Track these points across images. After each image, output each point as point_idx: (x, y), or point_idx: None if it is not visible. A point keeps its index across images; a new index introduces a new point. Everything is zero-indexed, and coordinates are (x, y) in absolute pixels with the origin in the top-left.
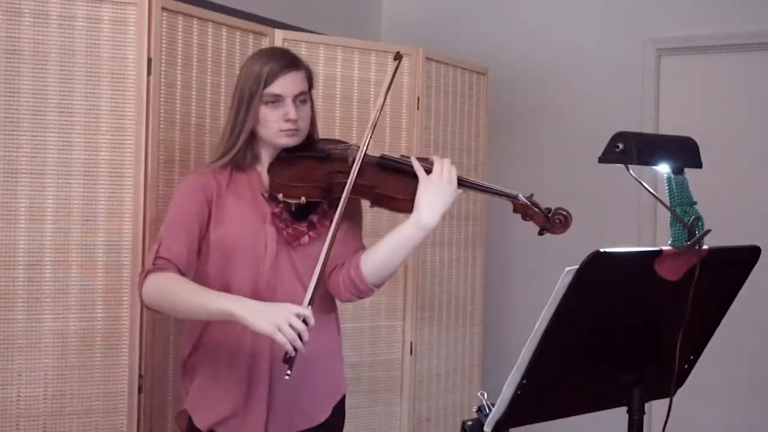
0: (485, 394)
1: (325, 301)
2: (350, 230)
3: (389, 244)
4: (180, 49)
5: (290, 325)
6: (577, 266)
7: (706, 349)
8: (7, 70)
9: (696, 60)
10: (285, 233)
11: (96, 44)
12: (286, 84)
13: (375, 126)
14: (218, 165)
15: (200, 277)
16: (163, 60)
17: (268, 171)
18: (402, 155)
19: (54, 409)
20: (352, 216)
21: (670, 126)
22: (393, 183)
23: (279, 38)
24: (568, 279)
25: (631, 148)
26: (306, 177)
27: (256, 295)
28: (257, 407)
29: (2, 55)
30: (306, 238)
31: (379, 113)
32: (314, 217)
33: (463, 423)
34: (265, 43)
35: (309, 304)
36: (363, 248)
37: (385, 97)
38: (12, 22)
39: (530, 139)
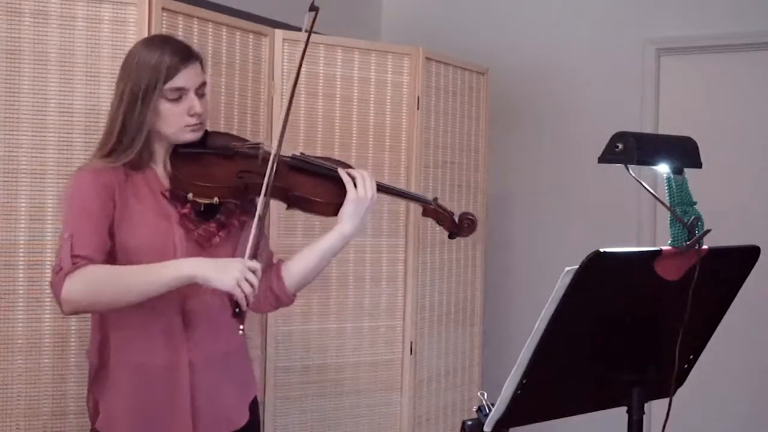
0: (485, 394)
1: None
2: (263, 235)
3: (314, 255)
4: None
5: (246, 280)
6: (577, 266)
7: (705, 349)
8: (7, 70)
9: (696, 60)
10: (195, 234)
11: (96, 44)
12: (188, 76)
13: (286, 121)
14: (112, 165)
15: None
16: None
17: (172, 168)
18: (320, 156)
19: (54, 409)
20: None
21: (670, 126)
22: (309, 185)
23: (279, 38)
24: (567, 279)
25: (631, 148)
26: (217, 176)
27: (168, 301)
28: (182, 418)
29: (2, 55)
30: (217, 239)
31: (290, 103)
32: (221, 217)
33: (463, 423)
34: (266, 43)
35: (252, 257)
36: (277, 260)
37: (299, 72)
38: (12, 22)
39: (530, 139)
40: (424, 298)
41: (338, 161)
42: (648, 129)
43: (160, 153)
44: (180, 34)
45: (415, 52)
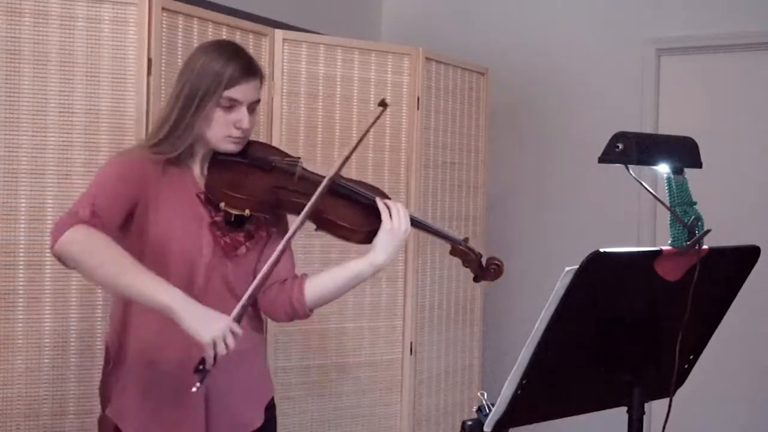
0: (485, 394)
1: (251, 312)
2: (288, 252)
3: (341, 278)
4: (180, 49)
5: (223, 341)
6: (577, 266)
7: (705, 349)
8: (7, 70)
9: (696, 60)
10: (222, 242)
11: (96, 44)
12: (246, 91)
13: (351, 154)
14: (156, 156)
15: None
16: (163, 60)
17: (209, 174)
18: (353, 180)
19: (54, 409)
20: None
21: (670, 126)
22: (342, 209)
23: (279, 38)
24: (567, 279)
25: (631, 148)
26: (251, 188)
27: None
28: (195, 416)
29: (2, 55)
30: (243, 249)
31: (354, 148)
32: (251, 227)
33: (463, 423)
34: (266, 43)
35: (236, 320)
36: (301, 274)
37: (364, 136)
38: (12, 22)
39: (530, 139)
40: (424, 298)
41: (375, 188)
42: (648, 129)
43: (200, 155)
44: (180, 34)
45: (415, 52)
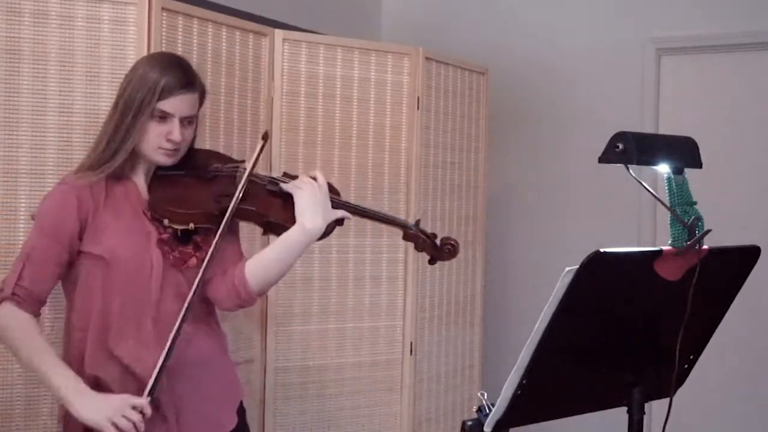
0: (485, 394)
1: (201, 305)
2: (231, 244)
3: (276, 250)
4: (180, 49)
5: (124, 417)
6: (577, 266)
7: (706, 349)
8: (7, 70)
9: (696, 60)
10: (171, 257)
11: (96, 44)
12: (179, 104)
13: (261, 151)
14: (95, 176)
15: (80, 294)
16: None
17: (150, 191)
18: (285, 173)
19: (54, 409)
20: (234, 230)
21: (670, 126)
22: (280, 209)
23: (279, 38)
24: (568, 279)
25: (631, 148)
26: (193, 202)
27: (140, 315)
28: (167, 427)
29: (2, 55)
30: (193, 260)
31: (259, 152)
32: (198, 238)
33: (463, 423)
34: (265, 43)
35: (149, 393)
36: (243, 258)
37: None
38: (12, 22)
39: (530, 139)
40: (424, 298)
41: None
42: (648, 129)
43: (141, 168)
44: (179, 34)
45: (415, 52)
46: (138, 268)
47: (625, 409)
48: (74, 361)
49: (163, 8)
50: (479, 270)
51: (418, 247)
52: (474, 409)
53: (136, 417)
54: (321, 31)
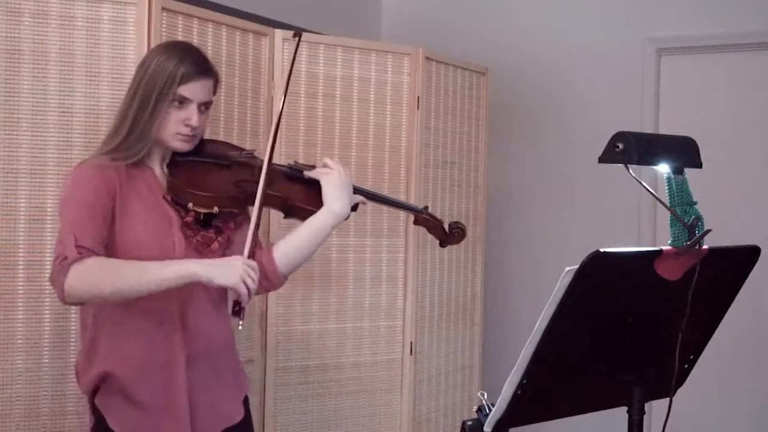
0: (485, 394)
1: (220, 297)
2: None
3: (305, 234)
4: None
5: (249, 276)
6: (577, 266)
7: (706, 349)
8: (7, 70)
9: (696, 60)
10: (194, 241)
11: (96, 44)
12: (197, 90)
13: (277, 131)
14: (115, 163)
15: None
16: None
17: (171, 176)
18: (295, 162)
19: (54, 409)
20: (249, 216)
21: (670, 126)
22: (303, 193)
23: (279, 38)
24: (568, 279)
25: (631, 148)
26: (216, 186)
27: (166, 299)
28: (181, 415)
29: (2, 55)
30: (215, 245)
31: (280, 116)
32: (218, 223)
33: (464, 423)
34: (265, 43)
35: (249, 256)
36: (262, 243)
37: (287, 86)
38: (12, 22)
39: (530, 139)
40: (424, 298)
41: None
42: (648, 129)
43: (158, 154)
44: (179, 34)
45: (415, 52)
46: (161, 252)
47: (625, 409)
48: (88, 354)
49: (163, 8)
50: (479, 270)
51: (430, 231)
52: (474, 409)
53: (255, 275)
54: (321, 31)
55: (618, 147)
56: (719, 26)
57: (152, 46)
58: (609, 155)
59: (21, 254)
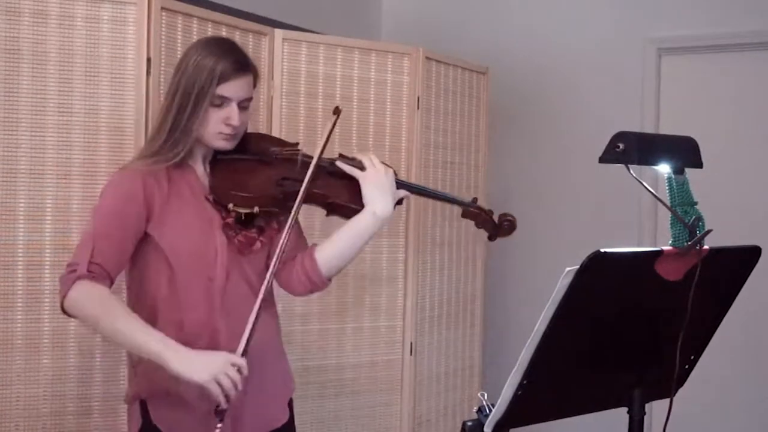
0: (485, 395)
1: (267, 297)
2: (296, 230)
3: (347, 236)
4: (180, 49)
5: (227, 375)
6: (578, 266)
7: (706, 349)
8: (6, 70)
9: (696, 60)
10: (237, 241)
11: (96, 44)
12: (237, 88)
13: (330, 135)
14: (161, 165)
15: (144, 284)
16: (163, 60)
17: (212, 176)
18: (340, 155)
19: (54, 409)
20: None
21: (670, 126)
22: (345, 190)
23: (279, 38)
24: (568, 279)
25: (632, 148)
26: (257, 185)
27: (209, 303)
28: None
29: (2, 55)
30: (258, 244)
31: (329, 134)
32: (261, 222)
33: (464, 423)
34: (265, 43)
35: (243, 354)
36: (306, 241)
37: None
38: (12, 22)
39: (530, 139)
40: (424, 298)
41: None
42: (648, 129)
43: (200, 154)
44: (179, 34)
45: (415, 52)
46: (203, 254)
47: (625, 409)
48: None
49: (162, 8)
50: (479, 270)
51: (478, 224)
52: (474, 410)
53: (236, 377)
54: (321, 30)
55: (618, 147)
56: (719, 26)
57: (152, 46)
58: (609, 155)
59: (20, 254)
